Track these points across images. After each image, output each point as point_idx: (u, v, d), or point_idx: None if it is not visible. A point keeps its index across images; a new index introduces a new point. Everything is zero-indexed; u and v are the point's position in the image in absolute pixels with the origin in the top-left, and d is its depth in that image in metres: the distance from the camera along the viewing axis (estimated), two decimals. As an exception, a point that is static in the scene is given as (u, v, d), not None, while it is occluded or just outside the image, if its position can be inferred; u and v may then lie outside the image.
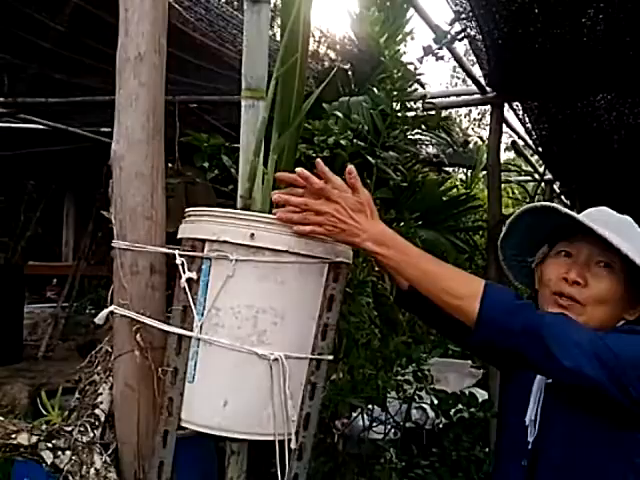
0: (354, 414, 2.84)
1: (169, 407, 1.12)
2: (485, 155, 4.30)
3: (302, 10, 1.22)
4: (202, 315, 1.10)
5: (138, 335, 1.19)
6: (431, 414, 3.16)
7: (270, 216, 1.12)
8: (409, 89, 2.23)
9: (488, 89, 3.39)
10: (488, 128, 3.65)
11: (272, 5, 1.38)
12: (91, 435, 1.18)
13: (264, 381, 1.09)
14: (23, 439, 1.16)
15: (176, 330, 1.12)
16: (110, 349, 1.26)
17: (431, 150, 4.51)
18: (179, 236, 1.16)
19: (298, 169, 1.11)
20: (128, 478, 1.21)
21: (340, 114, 2.16)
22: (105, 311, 1.22)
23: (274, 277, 1.09)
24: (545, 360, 1.04)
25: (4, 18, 2.73)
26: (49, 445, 1.16)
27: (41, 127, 4.85)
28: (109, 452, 1.19)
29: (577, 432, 1.12)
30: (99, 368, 1.27)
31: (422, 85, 2.40)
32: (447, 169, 5.97)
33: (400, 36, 2.40)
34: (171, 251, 1.16)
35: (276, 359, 1.08)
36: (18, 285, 5.00)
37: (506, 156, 7.33)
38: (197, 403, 1.12)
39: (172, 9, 2.21)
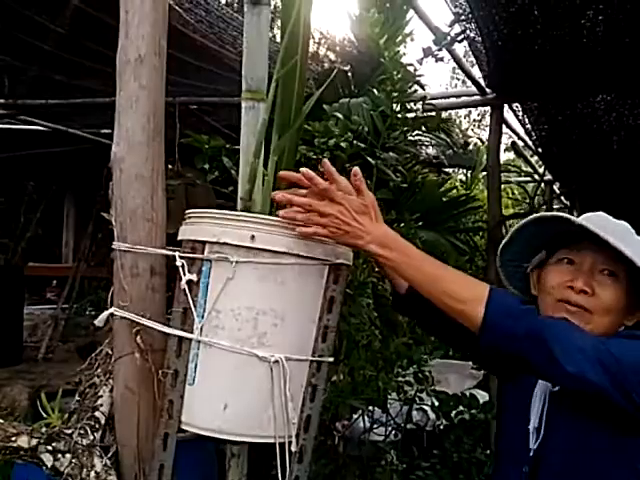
0: (355, 416, 2.84)
1: (169, 410, 1.12)
2: (485, 156, 4.31)
3: (302, 12, 1.22)
4: (202, 317, 1.10)
5: (138, 337, 1.19)
6: (432, 416, 3.16)
7: (270, 218, 1.12)
8: (409, 90, 2.23)
9: (488, 90, 3.39)
10: (488, 129, 3.65)
11: (272, 7, 1.38)
12: (91, 438, 1.18)
13: (264, 383, 1.09)
14: (23, 442, 1.16)
15: (176, 332, 1.12)
16: (110, 351, 1.26)
17: (431, 151, 4.51)
18: (179, 238, 1.16)
19: (303, 169, 1.11)
20: (128, 481, 1.20)
21: (340, 115, 2.16)
22: (105, 313, 1.22)
23: (274, 279, 1.09)
24: (548, 365, 1.03)
25: (5, 20, 2.73)
26: (49, 448, 1.16)
27: (41, 129, 4.86)
28: (109, 455, 1.19)
29: (580, 439, 1.11)
30: (99, 370, 1.27)
31: (422, 86, 2.40)
32: (447, 170, 5.98)
33: (400, 38, 2.40)
34: (171, 253, 1.16)
35: (276, 361, 1.08)
36: (18, 286, 4.99)
37: (506, 157, 7.32)
38: (197, 406, 1.12)
39: (172, 11, 2.21)
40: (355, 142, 2.06)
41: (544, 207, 5.59)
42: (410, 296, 1.30)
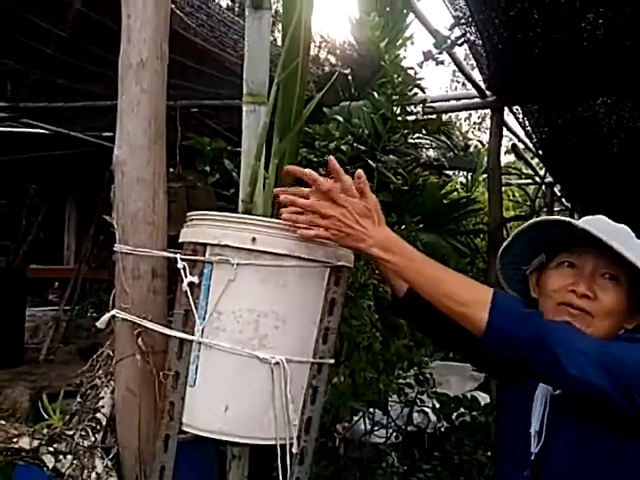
0: (355, 418, 2.84)
1: (170, 411, 1.12)
2: (485, 158, 4.31)
3: (303, 16, 1.23)
4: (204, 319, 1.10)
5: (139, 339, 1.19)
6: (433, 418, 3.16)
7: (271, 220, 1.12)
8: (409, 93, 2.23)
9: (488, 93, 3.40)
10: (488, 132, 3.65)
11: (273, 11, 1.39)
12: (92, 439, 1.18)
13: (265, 385, 1.09)
14: (24, 443, 1.17)
15: (177, 334, 1.12)
16: (111, 353, 1.26)
17: (432, 154, 4.52)
18: (180, 240, 1.17)
19: (307, 170, 1.11)
20: (129, 482, 1.21)
21: (341, 118, 2.17)
22: (107, 315, 1.22)
23: (275, 281, 1.09)
24: (551, 369, 1.03)
25: (7, 24, 2.74)
26: (50, 449, 1.16)
27: (43, 132, 4.87)
28: (110, 456, 1.19)
29: (582, 442, 1.11)
30: (100, 372, 1.28)
31: (422, 89, 2.41)
32: (448, 173, 5.98)
33: (400, 41, 2.40)
34: (173, 255, 1.17)
35: (277, 363, 1.08)
36: (20, 288, 5.00)
37: (506, 159, 7.33)
38: (198, 407, 1.12)
39: (174, 15, 2.21)
40: (356, 145, 2.07)
41: (545, 209, 5.59)
42: (409, 299, 1.30)
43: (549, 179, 5.47)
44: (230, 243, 1.08)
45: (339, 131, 2.06)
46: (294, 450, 1.12)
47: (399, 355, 2.64)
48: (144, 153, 1.21)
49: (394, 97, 2.20)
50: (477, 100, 3.53)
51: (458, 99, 3.82)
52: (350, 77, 2.66)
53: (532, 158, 5.76)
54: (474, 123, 13.05)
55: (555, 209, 6.41)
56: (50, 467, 1.15)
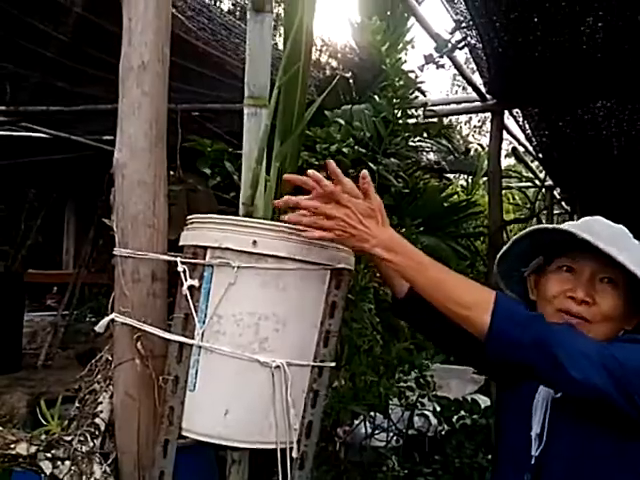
0: (356, 421, 2.83)
1: (170, 416, 1.12)
2: (486, 161, 4.31)
3: (305, 20, 1.23)
4: (204, 323, 1.10)
5: (139, 343, 1.19)
6: (433, 421, 3.15)
7: (272, 223, 1.12)
8: (410, 97, 2.24)
9: (488, 96, 3.40)
10: (488, 135, 3.66)
11: (275, 14, 1.38)
12: (91, 445, 1.17)
13: (266, 389, 1.09)
14: (22, 449, 1.15)
15: (177, 338, 1.12)
16: (110, 357, 1.26)
17: (432, 157, 4.53)
18: (181, 243, 1.16)
19: (310, 171, 1.10)
20: (129, 488, 1.20)
21: (342, 122, 2.17)
22: (106, 319, 1.22)
23: (276, 284, 1.09)
24: (554, 372, 1.03)
25: (7, 27, 2.74)
26: (48, 455, 1.15)
27: (43, 135, 4.86)
28: (109, 462, 1.19)
29: (583, 445, 1.11)
30: (99, 377, 1.27)
31: (423, 93, 2.41)
32: (448, 176, 5.98)
33: (401, 45, 2.40)
34: (173, 258, 1.16)
35: (278, 366, 1.08)
36: (18, 293, 4.99)
37: (506, 162, 7.34)
38: (198, 412, 1.12)
39: (175, 19, 2.22)
40: (357, 148, 2.07)
41: (545, 212, 5.59)
42: (409, 300, 1.30)
43: (549, 182, 5.47)
44: (231, 246, 1.08)
45: (340, 134, 2.06)
46: (294, 454, 1.12)
47: (400, 358, 2.63)
48: (145, 156, 1.21)
49: (395, 100, 2.20)
50: (477, 103, 3.53)
51: (458, 102, 3.83)
52: (351, 81, 2.66)
53: (532, 161, 5.76)
54: (474, 126, 13.07)
55: (555, 212, 6.42)
56: (48, 473, 1.14)
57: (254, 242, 1.07)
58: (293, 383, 1.09)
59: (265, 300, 1.09)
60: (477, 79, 3.30)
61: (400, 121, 2.24)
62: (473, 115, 11.44)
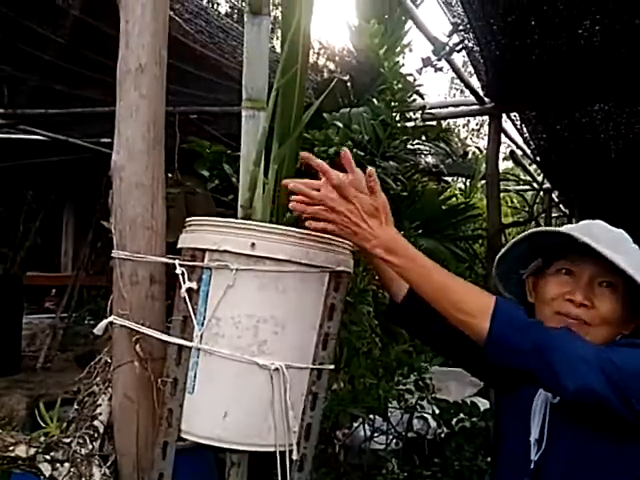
0: (355, 424, 2.83)
1: (169, 418, 1.12)
2: (484, 165, 4.32)
3: (302, 22, 1.23)
4: (202, 325, 1.10)
5: (137, 346, 1.19)
6: (433, 424, 3.15)
7: (271, 225, 1.12)
8: (409, 100, 2.24)
9: (486, 100, 3.41)
10: (486, 138, 3.66)
11: (272, 17, 1.39)
12: (90, 447, 1.17)
13: (265, 391, 1.08)
14: (21, 451, 1.15)
15: (176, 340, 1.11)
16: (109, 360, 1.26)
17: (430, 160, 4.53)
18: (179, 246, 1.16)
19: (318, 161, 1.10)
20: (127, 490, 1.20)
21: (340, 124, 2.17)
22: (104, 321, 1.21)
23: (275, 286, 1.09)
24: (553, 378, 1.02)
25: (5, 30, 2.74)
26: (47, 457, 1.15)
27: (41, 138, 4.86)
28: (108, 464, 1.19)
29: (582, 449, 1.11)
30: (98, 379, 1.27)
31: (421, 96, 2.42)
32: (446, 179, 5.99)
33: (399, 48, 2.41)
34: (171, 261, 1.16)
35: (277, 369, 1.08)
36: (17, 296, 4.98)
37: (504, 166, 7.34)
38: (197, 414, 1.11)
39: (173, 21, 2.22)
40: (355, 150, 2.07)
41: (543, 215, 5.60)
42: (407, 304, 1.30)
43: (547, 185, 5.49)
44: (229, 248, 1.08)
45: (339, 137, 2.06)
46: (294, 457, 1.12)
47: (399, 361, 2.63)
48: (143, 158, 1.21)
49: (393, 103, 2.20)
50: (475, 106, 3.54)
51: (456, 106, 3.84)
52: (349, 83, 2.66)
53: (530, 164, 5.78)
54: (472, 129, 13.09)
55: (553, 215, 6.43)
56: (47, 475, 1.14)
57: (252, 245, 1.07)
58: (292, 386, 1.09)
59: (264, 302, 1.09)
60: (475, 82, 3.31)
61: (398, 124, 2.25)
62: (471, 118, 11.46)
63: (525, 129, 3.82)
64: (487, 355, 1.07)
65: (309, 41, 1.29)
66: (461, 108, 3.76)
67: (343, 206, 1.07)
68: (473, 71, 3.10)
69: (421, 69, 2.52)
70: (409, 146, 2.43)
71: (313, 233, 1.10)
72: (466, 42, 2.61)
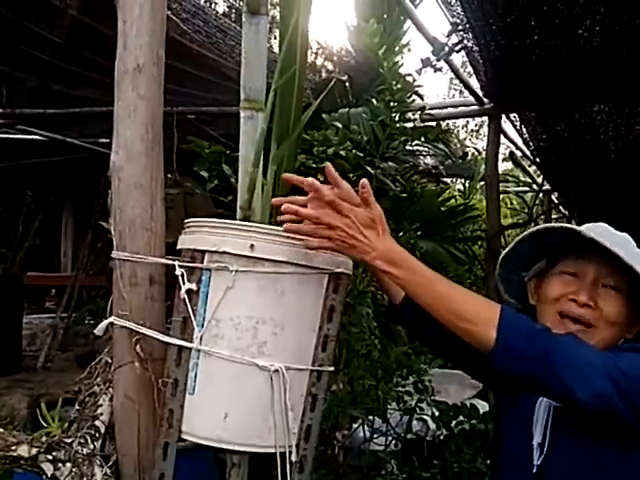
0: (355, 425, 2.83)
1: (169, 419, 1.12)
2: (483, 166, 4.32)
3: (300, 22, 1.23)
4: (202, 326, 1.10)
5: (138, 346, 1.19)
6: (432, 425, 3.15)
7: (270, 227, 1.12)
8: (408, 100, 2.24)
9: (485, 100, 3.41)
10: (485, 139, 3.66)
11: (270, 17, 1.39)
12: (91, 447, 1.18)
13: (264, 393, 1.08)
14: (23, 451, 1.16)
15: (176, 341, 1.11)
16: (110, 360, 1.26)
17: (429, 161, 4.53)
18: (179, 247, 1.16)
19: (309, 179, 1.08)
20: (128, 491, 1.20)
21: (339, 125, 2.17)
22: (105, 322, 1.22)
23: (274, 288, 1.09)
24: (561, 387, 1.01)
25: (3, 31, 2.74)
26: (49, 457, 1.15)
27: (39, 138, 4.86)
28: (109, 464, 1.19)
29: (585, 453, 1.10)
30: (99, 379, 1.27)
31: (421, 97, 2.42)
32: (445, 180, 5.99)
33: (397, 48, 2.41)
34: (171, 262, 1.16)
35: (276, 370, 1.08)
36: (17, 296, 4.98)
37: (504, 167, 7.34)
38: (197, 415, 1.11)
39: (170, 21, 2.22)
40: (354, 151, 2.07)
41: (542, 217, 5.60)
42: (406, 307, 1.29)
43: (547, 187, 5.48)
44: (229, 250, 1.07)
45: (338, 137, 2.06)
46: (294, 458, 1.12)
47: (398, 362, 2.63)
48: (141, 159, 1.21)
49: (393, 104, 2.20)
50: (475, 107, 3.53)
51: (456, 106, 3.83)
52: (348, 84, 2.66)
53: (529, 165, 5.77)
54: (471, 130, 13.10)
55: (553, 216, 6.43)
56: (49, 475, 1.15)
57: (252, 246, 1.07)
58: (292, 387, 1.09)
59: (263, 304, 1.09)
60: (474, 83, 3.31)
61: (398, 125, 2.25)
62: (470, 119, 11.48)
63: (525, 130, 3.82)
64: (493, 363, 1.05)
65: (307, 41, 1.29)
66: (460, 109, 3.76)
67: (339, 221, 1.06)
68: (472, 71, 3.09)
69: (420, 69, 2.52)
70: (408, 147, 2.43)
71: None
72: (465, 42, 2.60)
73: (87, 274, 5.55)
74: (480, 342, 1.06)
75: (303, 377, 1.13)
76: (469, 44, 2.63)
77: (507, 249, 1.25)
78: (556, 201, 6.14)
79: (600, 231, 1.18)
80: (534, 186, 5.66)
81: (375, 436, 2.93)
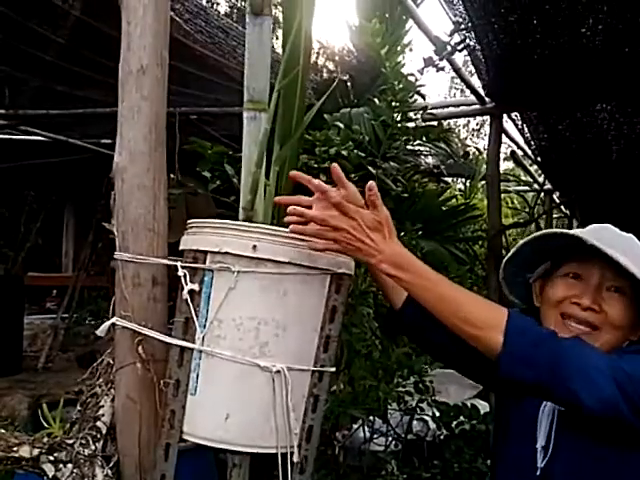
0: (355, 426, 2.83)
1: (171, 420, 1.12)
2: (484, 165, 4.32)
3: (303, 23, 1.23)
4: (204, 327, 1.10)
5: (140, 347, 1.19)
6: (432, 426, 3.15)
7: (272, 228, 1.12)
8: (410, 100, 2.24)
9: (487, 99, 3.40)
10: (487, 138, 3.65)
11: (273, 18, 1.39)
12: (93, 448, 1.18)
13: (266, 393, 1.08)
14: (25, 452, 1.16)
15: (178, 342, 1.12)
16: (111, 361, 1.26)
17: (430, 161, 4.53)
18: (181, 248, 1.16)
19: (315, 181, 1.08)
20: (129, 491, 1.20)
21: (341, 125, 2.17)
22: (107, 323, 1.22)
23: (276, 288, 1.09)
24: (568, 392, 1.01)
25: (6, 31, 2.74)
26: (50, 458, 1.16)
27: (42, 139, 4.87)
28: (111, 465, 1.19)
29: (589, 456, 1.10)
30: (100, 380, 1.27)
31: (422, 96, 2.41)
32: (446, 179, 5.98)
33: (399, 47, 2.41)
34: (173, 263, 1.16)
35: (278, 371, 1.08)
36: (18, 296, 4.99)
37: (505, 166, 7.33)
38: (199, 416, 1.11)
39: (173, 22, 2.22)
40: (355, 151, 2.07)
41: (544, 217, 5.60)
42: (406, 311, 1.28)
43: (548, 186, 5.47)
44: (231, 251, 1.07)
45: (340, 137, 2.06)
46: (295, 459, 1.11)
47: (399, 363, 2.63)
48: (144, 160, 1.21)
49: (395, 104, 2.20)
50: (476, 106, 3.53)
51: (457, 105, 3.83)
52: (349, 84, 2.66)
53: (531, 165, 5.77)
54: (473, 130, 13.09)
55: (554, 216, 6.42)
56: (50, 476, 1.15)
57: (254, 247, 1.07)
58: (293, 388, 1.09)
59: (265, 305, 1.09)
60: (476, 82, 3.30)
61: (399, 124, 2.24)
62: (471, 118, 11.47)
63: (526, 129, 3.81)
64: (499, 368, 1.04)
65: (310, 43, 1.29)
66: (462, 108, 3.75)
67: (345, 223, 1.05)
68: (474, 70, 3.09)
69: (423, 69, 2.51)
70: (409, 147, 2.43)
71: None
72: (467, 41, 2.60)
73: (88, 274, 5.56)
74: (486, 347, 1.05)
75: (305, 378, 1.13)
76: (471, 43, 2.63)
77: (511, 252, 1.25)
78: (557, 200, 6.13)
79: (606, 233, 1.18)
80: (535, 185, 5.66)
81: (375, 436, 2.93)
